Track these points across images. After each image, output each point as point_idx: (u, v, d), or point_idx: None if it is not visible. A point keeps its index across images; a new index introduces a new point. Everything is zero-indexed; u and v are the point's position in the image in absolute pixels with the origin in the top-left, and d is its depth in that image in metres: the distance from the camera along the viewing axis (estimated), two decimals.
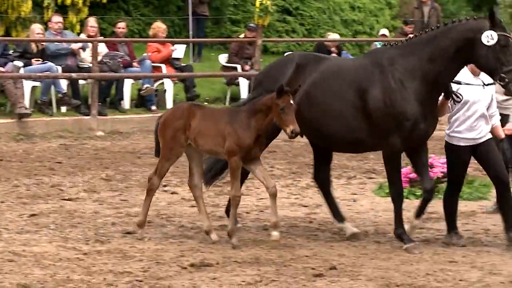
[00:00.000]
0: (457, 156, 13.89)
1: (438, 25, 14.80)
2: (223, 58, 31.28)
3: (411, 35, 34.82)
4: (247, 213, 16.68)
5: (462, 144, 13.79)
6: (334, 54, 31.90)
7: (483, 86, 13.82)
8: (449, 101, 13.84)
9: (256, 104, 13.79)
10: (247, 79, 29.07)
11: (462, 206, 16.99)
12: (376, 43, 34.79)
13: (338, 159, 22.37)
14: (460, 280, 12.06)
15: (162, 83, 28.49)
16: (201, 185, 14.67)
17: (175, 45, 29.56)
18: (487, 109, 13.92)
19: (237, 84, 29.97)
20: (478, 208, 17.07)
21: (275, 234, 13.71)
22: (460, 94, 13.56)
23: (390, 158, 14.04)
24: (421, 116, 13.68)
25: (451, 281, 12.00)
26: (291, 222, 15.53)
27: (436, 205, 15.94)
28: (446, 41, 13.45)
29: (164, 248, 13.76)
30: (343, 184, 19.54)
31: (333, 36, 34.17)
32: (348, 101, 14.08)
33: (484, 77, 13.79)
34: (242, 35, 32.02)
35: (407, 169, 18.15)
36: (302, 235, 14.63)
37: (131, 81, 28.45)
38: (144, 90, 28.05)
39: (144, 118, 26.97)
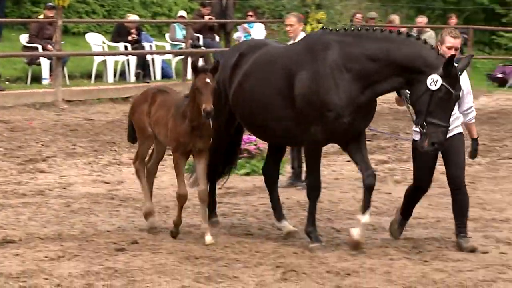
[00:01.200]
0: (419, 153, 12.58)
1: (400, 31, 13.46)
2: (23, 38, 30.92)
3: (207, 17, 35.38)
4: (49, 190, 16.42)
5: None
6: (134, 35, 31.77)
7: None
8: (401, 98, 13.04)
9: (189, 93, 12.51)
10: (48, 59, 28.83)
11: (258, 181, 17.37)
12: (175, 24, 34.84)
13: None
14: (256, 252, 12.36)
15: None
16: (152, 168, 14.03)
17: None
18: (458, 105, 12.67)
19: (38, 64, 29.62)
20: None
21: (207, 238, 12.63)
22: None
23: (309, 149, 13.14)
24: (347, 109, 12.44)
25: (248, 252, 12.28)
26: (94, 199, 15.51)
27: (235, 181, 16.22)
28: (397, 52, 12.28)
29: None
30: (103, 164, 19.54)
31: (133, 17, 34.07)
32: (276, 88, 12.99)
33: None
34: (41, 16, 31.63)
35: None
36: (104, 211, 14.67)
37: None
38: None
39: None
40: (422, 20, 37.97)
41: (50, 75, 28.61)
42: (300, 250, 12.42)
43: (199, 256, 11.93)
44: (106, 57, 31.15)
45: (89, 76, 30.78)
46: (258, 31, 36.23)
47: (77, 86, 29.38)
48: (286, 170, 17.91)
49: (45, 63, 29.18)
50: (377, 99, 13.10)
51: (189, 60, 31.04)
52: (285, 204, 15.45)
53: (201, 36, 34.48)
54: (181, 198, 12.68)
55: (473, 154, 13.13)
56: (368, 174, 12.71)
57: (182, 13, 36.63)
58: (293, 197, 16.06)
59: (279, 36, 23.60)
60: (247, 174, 17.87)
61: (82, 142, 21.42)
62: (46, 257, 11.83)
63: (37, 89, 28.26)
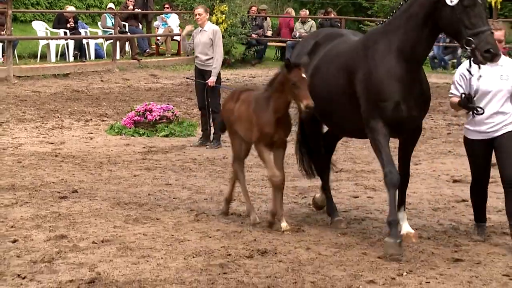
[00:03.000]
0: (471, 149, 10.37)
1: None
2: None
3: (131, 7, 35.21)
4: (4, 149, 16.15)
5: (472, 137, 10.30)
6: (71, 23, 31.45)
7: (500, 76, 10.12)
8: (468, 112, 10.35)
9: (273, 85, 10.92)
10: (1, 42, 28.51)
11: (175, 141, 17.36)
12: (105, 14, 34.66)
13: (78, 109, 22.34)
14: (174, 198, 12.35)
15: None
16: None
17: None
18: (508, 98, 10.17)
19: None
20: (187, 143, 17.28)
21: (283, 225, 10.69)
22: (481, 108, 9.96)
23: (372, 142, 10.56)
24: (401, 95, 10.25)
25: (167, 199, 12.26)
26: (41, 156, 15.31)
27: (156, 141, 16.15)
28: (415, 8, 10.14)
29: None
30: (81, 126, 19.29)
31: (70, 8, 33.86)
32: (339, 86, 10.79)
33: (506, 67, 10.17)
34: None
35: (132, 113, 18.35)
36: (49, 166, 14.49)
37: None
38: None
39: None
40: (305, 12, 37.92)
41: (2, 56, 28.25)
42: (209, 197, 12.43)
43: (128, 202, 11.93)
44: (49, 41, 30.96)
45: (35, 56, 30.51)
46: (173, 20, 36.23)
47: (25, 65, 29.06)
48: (197, 132, 17.95)
49: None
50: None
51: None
52: (196, 160, 15.45)
53: (127, 24, 34.42)
54: (274, 181, 10.75)
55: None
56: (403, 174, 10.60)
57: (111, 5, 36.68)
58: (204, 154, 16.04)
59: (190, 24, 23.54)
60: (166, 136, 17.76)
61: (30, 110, 21.15)
62: (1, 203, 11.73)
63: None
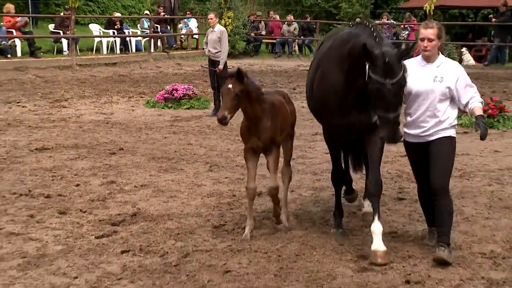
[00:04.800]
0: (409, 153, 7.57)
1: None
2: (51, 27, 30.27)
3: (162, 13, 35.08)
4: (69, 118, 15.99)
5: (410, 140, 7.40)
6: (118, 25, 31.25)
7: (434, 78, 7.23)
8: None
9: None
10: (66, 39, 28.42)
11: (194, 112, 17.30)
12: (143, 18, 34.63)
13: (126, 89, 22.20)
14: (194, 154, 12.29)
15: (14, 40, 27.32)
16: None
17: (20, 18, 28.36)
18: (458, 100, 7.31)
19: (61, 42, 29.02)
20: (203, 113, 17.21)
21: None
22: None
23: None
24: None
25: (189, 154, 12.21)
26: (96, 123, 15.32)
27: (180, 112, 15.95)
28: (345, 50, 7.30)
29: None
30: (125, 101, 19.20)
31: (117, 14, 33.94)
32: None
33: (442, 69, 7.26)
34: (62, 13, 30.94)
35: (162, 92, 18.31)
36: (102, 130, 14.45)
37: None
38: (1, 45, 26.99)
39: (3, 62, 25.74)
40: (290, 16, 37.75)
41: (68, 49, 28.15)
42: (220, 153, 12.38)
43: (160, 157, 11.92)
44: (102, 39, 30.95)
45: (92, 50, 30.42)
46: (193, 23, 36.34)
47: (84, 56, 29.01)
48: (210, 106, 17.90)
49: (65, 42, 28.77)
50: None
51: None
52: (210, 126, 15.38)
53: (159, 26, 34.43)
54: (248, 191, 7.83)
55: (482, 133, 6.98)
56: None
57: (147, 12, 36.96)
58: (216, 122, 15.90)
59: (205, 26, 23.55)
60: (188, 108, 17.64)
61: (88, 89, 21.08)
62: (68, 158, 11.73)
63: (60, 57, 27.86)
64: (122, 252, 7.32)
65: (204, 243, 7.54)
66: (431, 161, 7.16)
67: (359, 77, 6.98)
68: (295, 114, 8.64)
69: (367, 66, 6.81)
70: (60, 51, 29.14)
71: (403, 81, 6.80)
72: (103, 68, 27.48)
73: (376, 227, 7.18)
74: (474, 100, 7.27)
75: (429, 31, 7.12)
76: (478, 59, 32.69)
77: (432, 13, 30.82)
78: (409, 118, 7.36)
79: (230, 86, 7.18)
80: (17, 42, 27.46)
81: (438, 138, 7.18)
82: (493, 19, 32.52)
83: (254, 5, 42.95)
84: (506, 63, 31.17)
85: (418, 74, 7.18)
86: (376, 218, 7.23)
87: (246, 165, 7.98)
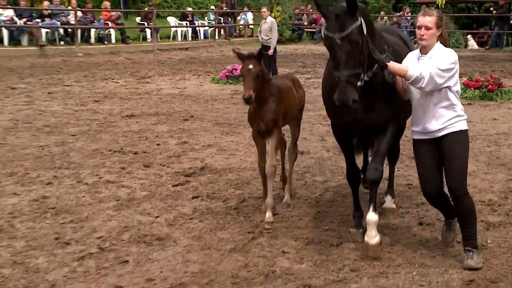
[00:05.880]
0: (415, 151, 5.60)
1: None
2: (138, 19, 30.43)
3: (225, 8, 34.86)
4: (152, 91, 16.03)
5: (416, 137, 5.55)
6: (190, 18, 31.32)
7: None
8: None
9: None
10: (150, 29, 28.63)
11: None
12: (209, 12, 34.63)
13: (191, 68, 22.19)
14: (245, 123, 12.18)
15: (109, 30, 27.55)
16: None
17: (114, 12, 28.55)
18: (440, 94, 5.28)
19: (145, 31, 29.37)
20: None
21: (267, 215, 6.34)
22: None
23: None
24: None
25: (245, 121, 12.09)
26: (172, 96, 15.34)
27: (238, 88, 15.87)
28: None
29: None
30: (195, 78, 19.20)
31: (189, 9, 34.23)
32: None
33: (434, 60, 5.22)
34: (146, 8, 31.06)
35: (224, 71, 18.28)
36: (177, 101, 14.48)
37: (93, 30, 27.40)
38: (100, 34, 27.24)
39: (101, 47, 25.98)
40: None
41: (150, 37, 28.31)
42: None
43: (222, 123, 11.90)
44: (177, 29, 31.02)
45: (169, 37, 30.53)
46: (249, 16, 36.25)
47: (163, 42, 29.14)
48: None
49: (148, 31, 28.95)
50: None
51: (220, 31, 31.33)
52: None
53: (222, 18, 34.38)
54: (259, 169, 6.70)
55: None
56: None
57: (212, 7, 37.03)
58: None
59: (259, 18, 23.54)
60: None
61: (166, 69, 21.17)
62: (150, 123, 11.81)
63: (145, 44, 28.08)
64: (193, 197, 7.38)
65: (258, 192, 7.54)
66: (444, 161, 5.32)
67: (360, 69, 5.09)
68: (304, 99, 7.35)
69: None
70: (144, 38, 29.46)
71: (354, 37, 4.95)
72: (178, 52, 27.57)
73: (371, 217, 5.65)
74: (420, 80, 5.10)
75: (427, 19, 5.24)
76: (480, 44, 32.57)
77: (443, 6, 30.30)
78: (413, 115, 5.52)
79: (251, 66, 6.15)
80: (112, 31, 27.85)
81: (447, 134, 5.29)
82: (494, 11, 32.19)
83: (298, 0, 42.50)
84: (504, 47, 31.02)
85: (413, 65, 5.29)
86: (371, 208, 5.68)
87: (255, 144, 6.75)
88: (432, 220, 6.60)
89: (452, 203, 5.50)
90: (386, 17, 35.59)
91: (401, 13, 35.71)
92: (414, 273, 5.27)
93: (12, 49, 23.23)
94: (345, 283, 5.06)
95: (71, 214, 6.70)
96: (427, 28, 5.22)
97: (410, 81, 5.13)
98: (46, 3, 26.40)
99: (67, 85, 16.62)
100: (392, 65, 5.20)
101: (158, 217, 6.67)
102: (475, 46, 31.83)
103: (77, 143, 10.06)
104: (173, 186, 7.85)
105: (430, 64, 5.15)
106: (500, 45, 31.19)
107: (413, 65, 5.23)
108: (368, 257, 5.52)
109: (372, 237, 5.60)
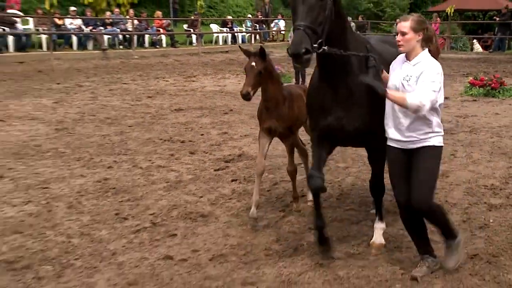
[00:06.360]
0: (387, 158, 4.62)
1: None
2: (185, 26, 30.48)
3: (260, 16, 34.86)
4: (196, 88, 16.04)
5: (390, 144, 4.52)
6: (229, 25, 31.32)
7: (404, 77, 4.40)
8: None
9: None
10: (195, 35, 28.64)
11: None
12: (246, 20, 34.57)
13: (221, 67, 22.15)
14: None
15: (161, 36, 27.65)
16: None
17: (165, 20, 28.63)
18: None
19: (191, 37, 29.40)
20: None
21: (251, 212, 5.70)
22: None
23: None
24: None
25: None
26: (214, 92, 15.33)
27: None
28: None
29: None
30: (234, 77, 19.11)
31: (229, 17, 33.94)
32: None
33: (417, 69, 4.34)
34: (192, 17, 31.05)
35: None
36: (219, 97, 14.45)
37: (147, 35, 27.54)
38: (153, 39, 27.38)
39: (154, 51, 26.15)
40: (349, 18, 36.83)
41: (196, 42, 28.35)
42: None
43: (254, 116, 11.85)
44: (219, 35, 30.96)
45: (212, 42, 30.52)
46: (281, 23, 36.03)
47: (207, 46, 29.13)
48: (292, 80, 17.70)
49: (194, 37, 28.94)
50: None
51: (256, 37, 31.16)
52: None
53: (257, 25, 34.25)
54: (257, 166, 5.73)
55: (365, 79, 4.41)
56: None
57: (249, 15, 36.76)
58: None
59: (290, 25, 23.36)
60: None
61: (210, 69, 21.17)
62: (195, 116, 11.82)
63: (191, 47, 28.05)
64: (232, 180, 7.39)
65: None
66: (412, 174, 4.36)
67: (320, 30, 4.28)
68: None
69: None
70: (191, 43, 29.38)
71: None
72: (219, 54, 27.54)
73: (378, 225, 5.29)
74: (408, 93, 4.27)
75: (402, 24, 4.36)
76: (485, 47, 32.24)
77: (452, 14, 29.88)
78: (386, 119, 4.51)
79: (253, 63, 5.33)
80: (163, 37, 27.88)
81: (421, 148, 4.35)
82: (497, 19, 31.71)
83: None
84: (506, 51, 30.64)
85: (395, 71, 4.49)
86: (377, 217, 5.31)
87: (258, 142, 5.87)
88: (440, 201, 6.50)
89: (443, 217, 4.61)
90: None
91: None
92: None
93: (79, 52, 23.51)
94: (364, 256, 5.06)
95: (128, 194, 6.77)
96: (403, 34, 4.35)
97: (410, 109, 4.26)
98: (108, 13, 26.68)
99: (125, 83, 16.77)
100: (392, 93, 4.32)
101: (201, 197, 6.71)
102: (480, 50, 31.60)
103: (133, 133, 10.15)
104: (214, 170, 7.87)
105: (423, 85, 4.22)
106: (502, 49, 30.84)
107: (410, 94, 4.25)
108: (384, 234, 5.34)
109: (378, 239, 5.25)
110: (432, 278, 4.62)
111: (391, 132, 4.49)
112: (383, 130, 4.59)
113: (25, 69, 18.94)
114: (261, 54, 5.41)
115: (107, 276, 4.66)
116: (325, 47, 4.31)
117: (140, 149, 9.01)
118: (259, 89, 5.55)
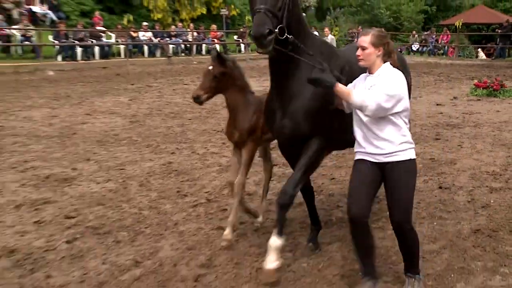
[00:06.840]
0: (353, 168, 3.61)
1: None
2: (235, 37, 30.36)
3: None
4: None
5: (357, 157, 3.58)
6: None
7: (369, 88, 3.48)
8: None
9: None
10: (243, 44, 28.53)
11: None
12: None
13: None
14: None
15: (215, 45, 27.67)
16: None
17: (219, 32, 28.67)
18: (397, 114, 3.42)
19: (240, 45, 29.34)
20: None
21: (225, 232, 4.58)
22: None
23: None
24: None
25: None
26: (259, 92, 15.24)
27: None
28: None
29: None
30: (262, 81, 19.02)
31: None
32: None
33: (380, 79, 3.45)
34: (241, 29, 30.89)
35: None
36: None
37: (204, 45, 27.57)
38: (209, 48, 27.44)
39: (202, 58, 26.44)
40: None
41: (244, 50, 28.31)
42: None
43: None
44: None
45: (234, 52, 30.37)
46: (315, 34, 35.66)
47: (253, 53, 28.95)
48: None
49: (242, 46, 28.91)
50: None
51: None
52: None
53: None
54: (228, 185, 4.68)
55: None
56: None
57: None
58: None
59: (322, 35, 23.20)
60: None
61: (255, 73, 20.96)
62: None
63: (240, 54, 27.81)
64: (273, 165, 7.32)
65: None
66: (388, 191, 3.55)
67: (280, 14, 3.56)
68: None
69: None
70: (240, 51, 29.36)
71: None
72: (262, 60, 27.34)
73: (273, 242, 3.84)
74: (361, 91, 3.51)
75: (362, 39, 3.53)
76: (488, 55, 31.64)
77: (460, 27, 29.26)
78: (355, 133, 3.63)
79: (210, 67, 4.27)
80: (217, 46, 27.92)
81: (395, 163, 3.48)
82: (499, 31, 30.99)
83: (351, 23, 41.42)
84: (506, 58, 29.98)
85: (359, 86, 3.62)
86: (275, 231, 3.85)
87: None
88: (449, 185, 6.36)
89: (417, 242, 3.63)
90: (417, 35, 34.37)
91: (428, 32, 34.34)
92: (434, 223, 5.13)
93: (149, 59, 23.86)
94: (383, 229, 4.97)
95: (187, 175, 6.83)
96: (362, 48, 3.51)
97: (352, 105, 3.50)
98: (173, 27, 27.04)
99: (185, 84, 16.86)
100: (340, 86, 3.49)
101: (248, 178, 6.68)
102: (484, 57, 31.10)
103: (192, 125, 10.20)
104: (258, 156, 7.80)
105: (378, 88, 3.44)
106: (503, 56, 30.37)
107: (359, 90, 3.56)
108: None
109: (270, 262, 3.78)
110: (440, 248, 4.52)
111: (360, 143, 3.59)
112: (324, 137, 3.83)
113: (107, 73, 19.34)
114: (218, 58, 4.29)
115: (170, 242, 4.72)
116: (290, 36, 3.58)
117: (197, 138, 9.05)
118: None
